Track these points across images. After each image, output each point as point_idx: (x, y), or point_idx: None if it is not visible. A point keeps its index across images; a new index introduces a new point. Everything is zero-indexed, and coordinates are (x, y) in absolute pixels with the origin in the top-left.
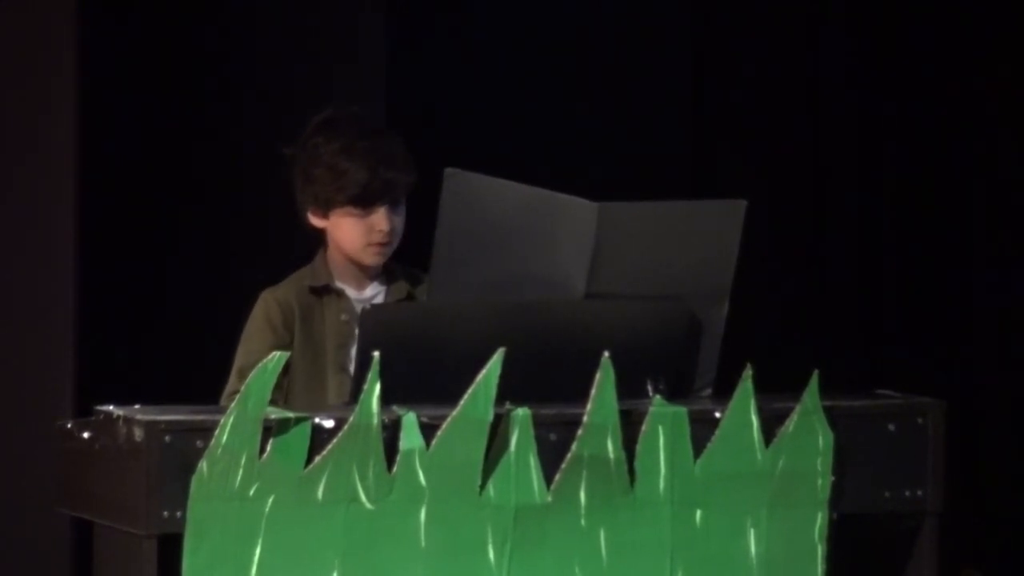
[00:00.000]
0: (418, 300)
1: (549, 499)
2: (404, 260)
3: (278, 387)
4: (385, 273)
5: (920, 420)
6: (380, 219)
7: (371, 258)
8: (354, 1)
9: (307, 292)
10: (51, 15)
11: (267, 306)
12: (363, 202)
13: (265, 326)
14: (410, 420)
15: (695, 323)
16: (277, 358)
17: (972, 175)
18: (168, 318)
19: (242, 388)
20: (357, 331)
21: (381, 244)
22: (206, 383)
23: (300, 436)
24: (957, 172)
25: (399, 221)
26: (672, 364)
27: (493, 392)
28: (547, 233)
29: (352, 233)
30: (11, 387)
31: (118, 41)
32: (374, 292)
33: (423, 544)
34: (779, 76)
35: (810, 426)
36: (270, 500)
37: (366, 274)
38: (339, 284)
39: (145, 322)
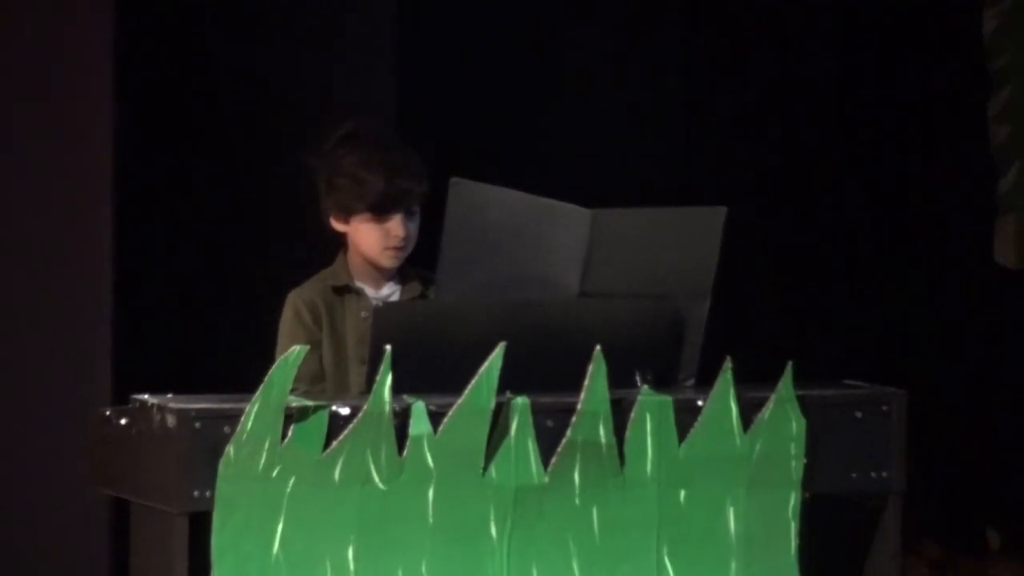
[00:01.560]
0: (428, 299)
1: (546, 480)
2: (416, 262)
3: (321, 378)
4: (400, 274)
5: (885, 408)
6: (396, 225)
7: (388, 260)
8: (367, 24)
9: (330, 291)
10: (88, 34)
11: (296, 307)
12: (381, 210)
13: (297, 324)
14: (419, 408)
15: (679, 320)
16: (297, 352)
17: (933, 186)
18: (198, 314)
19: (265, 379)
20: (372, 321)
21: (397, 248)
22: (232, 373)
23: (318, 422)
24: (920, 183)
25: (413, 227)
26: (658, 357)
27: (495, 382)
28: (544, 237)
29: (370, 238)
30: (54, 378)
31: (154, 50)
32: (390, 291)
33: (431, 521)
34: (760, 88)
35: (784, 413)
36: (291, 481)
37: (383, 275)
38: (358, 284)
39: (177, 317)
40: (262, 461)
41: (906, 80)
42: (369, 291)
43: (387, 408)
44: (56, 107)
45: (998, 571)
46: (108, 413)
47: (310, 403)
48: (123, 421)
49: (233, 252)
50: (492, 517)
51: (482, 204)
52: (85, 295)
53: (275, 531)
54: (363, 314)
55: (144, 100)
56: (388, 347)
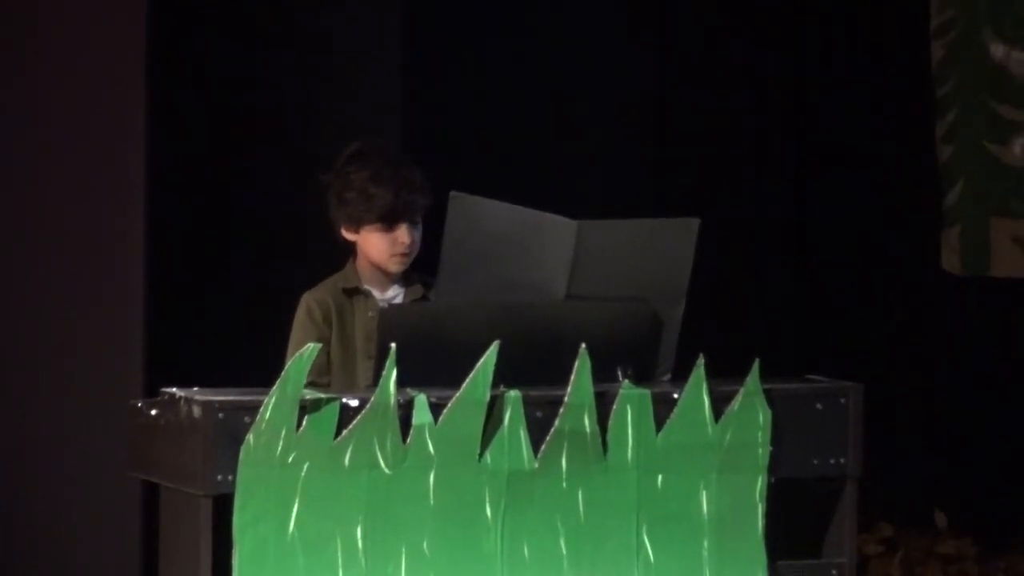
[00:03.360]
0: (429, 301)
1: (536, 466)
2: (418, 268)
3: (327, 372)
4: (404, 278)
5: (843, 400)
6: (402, 234)
7: (394, 266)
8: (376, 54)
9: (340, 293)
10: (122, 52)
11: (309, 306)
12: (388, 220)
13: (309, 323)
14: (421, 400)
15: (657, 320)
16: (311, 349)
17: (889, 202)
18: (222, 314)
19: (282, 374)
20: (378, 322)
21: (403, 254)
22: (252, 368)
23: (330, 413)
24: (877, 199)
25: (417, 236)
26: (638, 354)
27: (490, 377)
28: (534, 246)
29: (378, 246)
30: (91, 373)
31: (184, 63)
32: (395, 293)
33: (432, 503)
34: (726, 105)
35: (752, 405)
36: (305, 467)
37: (388, 279)
38: (367, 287)
39: (203, 318)
40: (279, 448)
41: (864, 103)
42: (376, 293)
43: (392, 400)
44: (92, 115)
45: (944, 548)
46: (140, 405)
47: (323, 395)
48: (154, 412)
49: (253, 259)
50: (487, 499)
51: (479, 216)
52: (119, 297)
53: (291, 512)
54: (370, 314)
55: (173, 115)
56: (393, 345)
